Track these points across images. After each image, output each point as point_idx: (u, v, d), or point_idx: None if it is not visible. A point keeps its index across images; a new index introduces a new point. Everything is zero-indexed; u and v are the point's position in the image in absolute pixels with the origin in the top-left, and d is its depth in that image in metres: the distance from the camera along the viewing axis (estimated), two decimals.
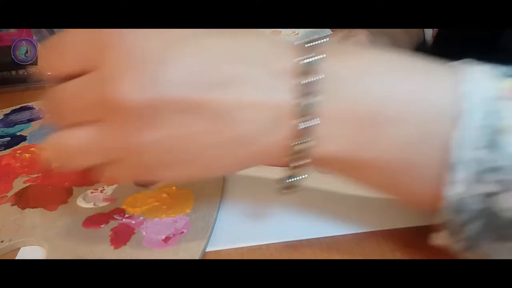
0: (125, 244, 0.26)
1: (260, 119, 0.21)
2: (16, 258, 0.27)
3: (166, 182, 0.24)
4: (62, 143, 0.22)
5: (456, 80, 0.21)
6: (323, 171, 0.24)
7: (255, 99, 0.21)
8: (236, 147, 0.22)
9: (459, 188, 0.20)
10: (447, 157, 0.20)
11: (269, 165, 0.24)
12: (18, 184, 0.32)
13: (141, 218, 0.29)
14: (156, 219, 0.28)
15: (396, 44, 0.51)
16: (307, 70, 0.21)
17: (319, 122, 0.21)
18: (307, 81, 0.21)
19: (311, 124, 0.21)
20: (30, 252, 0.27)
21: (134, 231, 0.27)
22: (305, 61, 0.21)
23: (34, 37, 0.48)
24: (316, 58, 0.21)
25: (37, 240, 0.27)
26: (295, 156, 0.22)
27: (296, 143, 0.21)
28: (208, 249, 0.27)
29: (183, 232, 0.27)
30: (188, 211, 0.29)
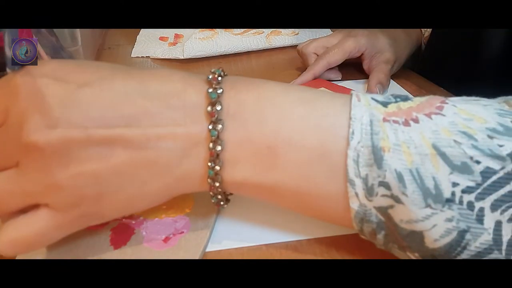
0: (125, 244, 0.27)
1: (172, 149, 0.23)
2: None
3: (107, 219, 0.25)
4: None
5: (347, 105, 0.23)
6: (240, 194, 0.26)
7: (165, 131, 0.22)
8: (154, 174, 0.23)
9: (358, 201, 0.22)
10: (345, 173, 0.22)
11: (193, 191, 0.25)
12: None
13: (141, 218, 0.29)
14: (156, 219, 0.28)
15: (396, 44, 0.51)
16: (212, 101, 0.23)
17: (221, 148, 0.23)
18: (211, 110, 0.23)
19: (217, 150, 0.23)
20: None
21: (134, 231, 0.27)
22: (210, 92, 0.23)
23: (34, 37, 0.48)
24: (219, 89, 0.23)
25: None
26: (211, 182, 0.24)
27: (209, 168, 0.23)
28: (208, 249, 0.27)
29: (183, 232, 0.27)
30: (188, 211, 0.29)
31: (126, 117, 0.22)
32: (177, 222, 0.28)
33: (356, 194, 0.22)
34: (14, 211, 0.23)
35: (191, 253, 0.26)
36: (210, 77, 0.24)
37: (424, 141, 0.21)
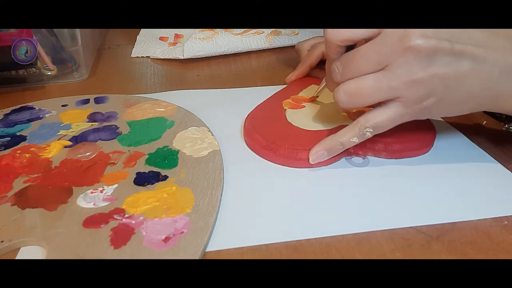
0: (125, 244, 0.26)
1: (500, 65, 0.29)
2: (16, 258, 0.27)
3: (433, 115, 0.32)
4: (355, 87, 0.31)
5: None
6: None
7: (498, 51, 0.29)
8: (482, 85, 0.29)
9: None
10: None
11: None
12: (18, 184, 0.32)
13: (141, 218, 0.29)
14: (156, 219, 0.28)
15: None
16: None
17: None
18: None
19: None
20: (30, 252, 0.27)
21: (134, 231, 0.27)
22: None
23: (34, 37, 0.48)
24: None
25: (37, 240, 0.27)
26: None
27: None
28: (208, 249, 0.27)
29: (183, 232, 0.27)
30: (188, 211, 0.29)
31: (475, 39, 0.29)
32: (177, 222, 0.28)
33: None
34: (374, 103, 0.31)
35: (191, 253, 0.26)
36: None
37: None
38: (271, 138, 0.36)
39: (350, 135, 0.33)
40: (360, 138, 0.32)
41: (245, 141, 0.38)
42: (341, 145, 0.33)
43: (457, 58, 0.28)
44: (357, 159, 0.36)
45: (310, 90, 0.45)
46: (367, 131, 0.32)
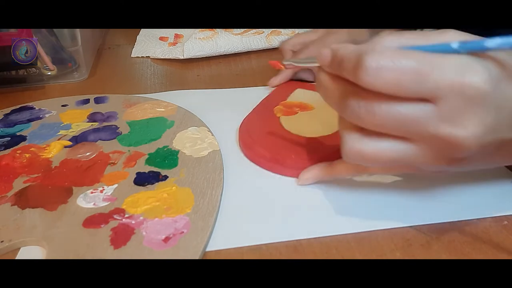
0: (125, 244, 0.26)
1: None
2: (16, 258, 0.27)
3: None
4: (372, 152, 0.24)
5: None
6: None
7: None
8: None
9: None
10: None
11: None
12: (18, 184, 0.32)
13: (141, 218, 0.29)
14: (156, 219, 0.28)
15: None
16: None
17: None
18: None
19: None
20: (30, 252, 0.27)
21: (134, 231, 0.27)
22: None
23: (34, 37, 0.48)
24: None
25: (37, 240, 0.27)
26: None
27: None
28: (208, 249, 0.27)
29: (183, 232, 0.27)
30: (188, 211, 0.29)
31: None
32: (177, 222, 0.28)
33: None
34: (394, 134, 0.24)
35: (191, 253, 0.26)
36: None
37: None
38: (274, 149, 0.35)
39: (344, 174, 0.30)
40: (355, 176, 0.30)
41: (244, 154, 0.37)
42: (331, 178, 0.31)
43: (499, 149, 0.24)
44: None
45: (297, 95, 0.44)
46: (363, 175, 0.29)
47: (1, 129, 0.41)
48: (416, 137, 0.23)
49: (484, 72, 0.21)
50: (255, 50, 0.62)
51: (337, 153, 0.27)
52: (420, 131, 0.23)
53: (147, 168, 0.34)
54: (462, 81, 0.21)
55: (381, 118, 0.23)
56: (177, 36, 0.69)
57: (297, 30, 0.65)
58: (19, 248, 0.27)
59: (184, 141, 0.37)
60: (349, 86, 0.24)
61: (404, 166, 0.26)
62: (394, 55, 0.22)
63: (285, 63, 0.32)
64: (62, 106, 0.45)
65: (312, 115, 0.41)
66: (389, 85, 0.22)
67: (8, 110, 0.44)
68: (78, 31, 0.53)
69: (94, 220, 0.28)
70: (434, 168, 0.25)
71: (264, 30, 0.64)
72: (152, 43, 0.66)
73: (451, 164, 0.24)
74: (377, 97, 0.23)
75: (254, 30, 0.64)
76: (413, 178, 0.33)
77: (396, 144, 0.24)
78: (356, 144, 0.24)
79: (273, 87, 0.48)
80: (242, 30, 0.64)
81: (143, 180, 0.32)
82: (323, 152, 0.34)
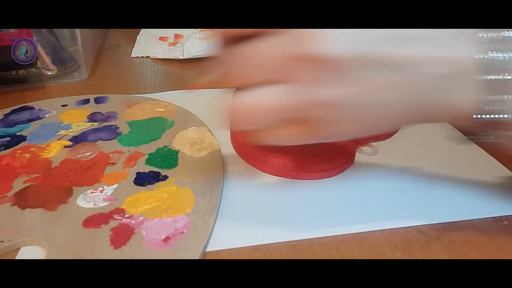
0: (125, 244, 0.26)
1: (445, 74, 0.21)
2: (16, 258, 0.27)
3: (335, 138, 0.26)
4: (251, 102, 0.23)
5: None
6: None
7: (439, 54, 0.21)
8: (419, 101, 0.22)
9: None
10: None
11: (450, 122, 0.24)
12: (18, 184, 0.32)
13: (141, 218, 0.29)
14: (156, 219, 0.28)
15: None
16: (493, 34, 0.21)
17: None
18: (495, 35, 0.21)
19: (502, 79, 0.21)
20: (30, 252, 0.27)
21: (134, 231, 0.27)
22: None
23: (34, 37, 0.48)
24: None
25: (37, 240, 0.27)
26: (485, 115, 0.22)
27: (488, 99, 0.21)
28: (208, 249, 0.27)
29: (183, 232, 0.27)
30: (188, 211, 0.29)
31: (408, 37, 0.22)
32: (177, 222, 0.28)
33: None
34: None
35: (191, 253, 0.26)
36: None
37: None
38: (294, 156, 0.33)
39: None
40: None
41: (256, 167, 0.34)
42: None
43: (373, 68, 0.22)
44: (366, 149, 0.36)
45: None
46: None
47: (1, 129, 0.41)
48: (282, 74, 0.22)
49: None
50: None
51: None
52: (279, 64, 0.22)
53: (147, 168, 0.34)
54: None
55: (243, 61, 0.23)
56: (177, 36, 0.69)
57: None
58: (19, 248, 0.27)
59: (184, 141, 0.37)
60: None
61: (294, 115, 0.24)
62: None
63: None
64: (62, 106, 0.45)
65: None
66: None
67: (8, 110, 0.44)
68: (78, 31, 0.53)
69: (94, 220, 0.28)
70: (323, 111, 0.23)
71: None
72: (152, 43, 0.66)
73: (334, 89, 0.22)
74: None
75: None
76: (413, 178, 0.33)
77: (273, 88, 0.23)
78: (243, 97, 0.24)
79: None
80: None
81: (143, 180, 0.32)
82: (340, 147, 0.34)
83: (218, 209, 0.30)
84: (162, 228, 0.28)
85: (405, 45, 0.21)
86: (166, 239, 0.27)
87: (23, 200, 0.31)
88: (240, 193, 0.32)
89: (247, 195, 0.32)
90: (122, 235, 0.27)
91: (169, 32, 0.70)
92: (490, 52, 0.21)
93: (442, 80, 0.22)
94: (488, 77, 0.21)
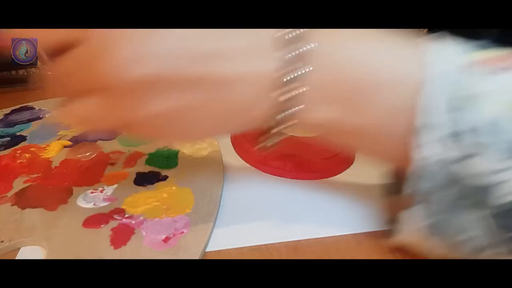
0: (125, 244, 0.26)
1: (248, 91, 0.22)
2: (16, 258, 0.27)
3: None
4: (76, 112, 0.23)
5: (423, 51, 0.22)
6: (312, 132, 0.25)
7: (242, 72, 0.22)
8: (226, 118, 0.23)
9: (424, 152, 0.21)
10: (414, 122, 0.21)
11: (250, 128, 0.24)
12: (18, 184, 0.32)
13: (141, 218, 0.29)
14: (156, 219, 0.28)
15: None
16: (293, 41, 0.22)
17: (305, 90, 0.22)
18: (294, 52, 0.22)
19: (297, 92, 0.22)
20: (30, 252, 0.27)
21: (134, 231, 0.27)
22: (291, 34, 0.22)
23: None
24: (302, 31, 0.22)
25: (37, 240, 0.27)
26: (279, 123, 0.23)
27: (283, 111, 0.23)
28: (208, 249, 0.27)
29: (183, 232, 0.27)
30: (188, 211, 0.29)
31: (211, 54, 0.21)
32: (177, 222, 0.28)
33: (424, 144, 0.21)
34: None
35: (191, 253, 0.26)
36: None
37: None
38: (292, 157, 0.33)
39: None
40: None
41: (256, 167, 0.34)
42: None
43: (189, 87, 0.21)
44: None
45: None
46: None
47: (1, 129, 0.41)
48: (88, 87, 0.22)
49: None
50: None
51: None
52: (81, 78, 0.22)
53: (147, 168, 0.34)
54: None
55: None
56: None
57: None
58: (19, 248, 0.27)
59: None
60: None
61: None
62: None
63: None
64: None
65: None
66: None
67: (8, 110, 0.44)
68: None
69: (94, 220, 0.28)
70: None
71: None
72: None
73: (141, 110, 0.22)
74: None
75: None
76: None
77: (92, 98, 0.22)
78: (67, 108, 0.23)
79: None
80: None
81: (143, 180, 0.32)
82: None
83: (218, 209, 0.30)
84: (162, 228, 0.28)
85: (212, 64, 0.21)
86: (166, 239, 0.27)
87: (23, 200, 0.31)
88: (240, 193, 0.32)
89: (247, 195, 0.32)
90: (122, 235, 0.27)
91: None
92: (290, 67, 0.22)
93: (247, 96, 0.22)
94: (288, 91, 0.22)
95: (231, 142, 0.37)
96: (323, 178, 0.33)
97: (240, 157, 0.35)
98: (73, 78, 0.23)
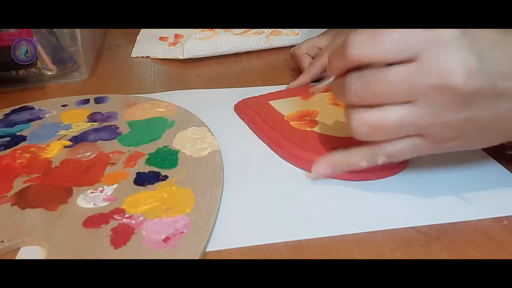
0: (125, 244, 0.26)
1: None
2: (16, 258, 0.27)
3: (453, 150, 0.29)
4: (378, 120, 0.26)
5: None
6: None
7: None
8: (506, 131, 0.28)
9: None
10: None
11: None
12: (18, 184, 0.32)
13: (141, 218, 0.29)
14: (156, 219, 0.28)
15: None
16: None
17: None
18: None
19: None
20: (30, 252, 0.27)
21: (134, 231, 0.27)
22: None
23: (34, 37, 0.48)
24: None
25: (37, 240, 0.27)
26: None
27: None
28: (208, 249, 0.27)
29: (183, 232, 0.27)
30: (188, 211, 0.29)
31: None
32: (177, 222, 0.28)
33: None
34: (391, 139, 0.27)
35: (191, 253, 0.26)
36: None
37: None
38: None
39: (360, 158, 0.29)
40: (370, 163, 0.29)
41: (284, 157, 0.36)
42: (348, 166, 0.31)
43: (496, 99, 0.25)
44: None
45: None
46: (379, 158, 0.29)
47: (1, 129, 0.41)
48: (412, 97, 0.25)
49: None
50: (255, 50, 0.62)
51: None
52: (412, 89, 0.25)
53: (147, 168, 0.34)
54: (437, 33, 0.24)
55: (374, 86, 0.26)
56: (177, 36, 0.69)
57: (297, 30, 0.65)
58: (19, 248, 0.27)
59: (184, 141, 0.37)
60: (347, 74, 0.27)
61: (415, 135, 0.27)
62: (373, 30, 0.25)
63: (312, 91, 0.33)
64: (62, 106, 0.45)
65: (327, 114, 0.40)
66: (374, 53, 0.25)
67: (8, 110, 0.44)
68: (78, 31, 0.53)
69: (94, 220, 0.28)
70: (441, 131, 0.26)
71: (264, 30, 0.65)
72: (152, 43, 0.66)
73: (457, 115, 0.25)
74: (367, 69, 0.26)
75: (254, 30, 0.64)
76: (413, 178, 0.33)
77: (397, 108, 0.26)
78: (362, 116, 0.27)
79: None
80: (242, 30, 0.64)
81: (143, 180, 0.32)
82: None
83: (218, 209, 0.30)
84: (162, 228, 0.28)
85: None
86: (166, 239, 0.27)
87: (23, 200, 0.31)
88: (240, 193, 0.32)
89: (247, 195, 0.32)
90: (122, 235, 0.27)
91: (169, 32, 0.70)
92: None
93: None
94: None
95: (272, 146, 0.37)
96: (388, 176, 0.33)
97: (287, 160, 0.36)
98: (389, 88, 0.26)
